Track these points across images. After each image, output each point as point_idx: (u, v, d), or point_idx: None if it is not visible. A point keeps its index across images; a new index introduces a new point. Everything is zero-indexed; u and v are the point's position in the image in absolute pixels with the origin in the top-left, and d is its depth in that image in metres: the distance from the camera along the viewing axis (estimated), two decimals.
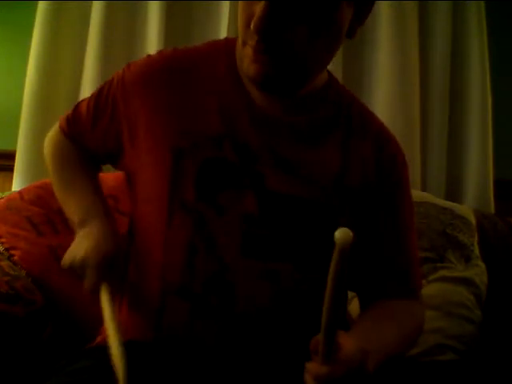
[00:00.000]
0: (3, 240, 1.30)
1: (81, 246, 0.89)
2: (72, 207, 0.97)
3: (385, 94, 1.85)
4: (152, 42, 1.77)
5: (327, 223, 0.88)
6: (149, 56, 0.95)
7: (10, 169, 1.74)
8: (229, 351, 0.84)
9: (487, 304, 1.45)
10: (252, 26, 0.77)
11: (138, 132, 0.89)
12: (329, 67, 0.94)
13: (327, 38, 0.81)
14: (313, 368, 0.68)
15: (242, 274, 0.84)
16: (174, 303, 0.85)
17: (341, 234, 0.59)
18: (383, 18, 1.85)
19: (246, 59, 0.82)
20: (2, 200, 1.39)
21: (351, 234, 0.59)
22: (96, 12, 1.76)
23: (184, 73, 0.90)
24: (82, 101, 1.00)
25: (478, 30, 1.88)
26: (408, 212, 0.96)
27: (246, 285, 0.84)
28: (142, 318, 0.88)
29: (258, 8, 0.76)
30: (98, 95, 0.96)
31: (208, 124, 0.87)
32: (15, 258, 1.27)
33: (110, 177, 1.28)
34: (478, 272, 1.47)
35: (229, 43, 0.93)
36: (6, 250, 1.28)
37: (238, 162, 0.86)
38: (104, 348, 0.88)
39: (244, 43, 0.82)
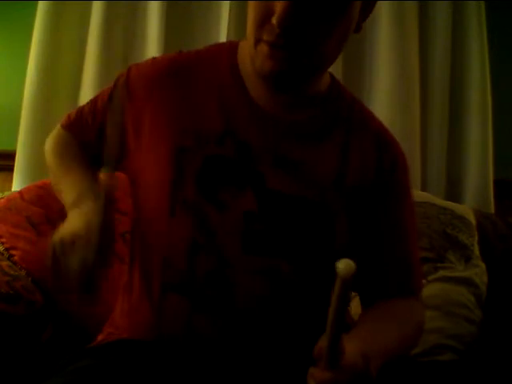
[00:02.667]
0: (3, 240, 1.30)
1: (72, 223, 0.82)
2: (66, 189, 0.94)
3: (385, 94, 1.85)
4: (152, 42, 1.77)
5: (325, 222, 0.89)
6: (154, 58, 0.96)
7: (10, 169, 1.74)
8: (229, 347, 0.84)
9: (487, 304, 1.45)
10: (275, 21, 0.77)
11: (142, 132, 0.90)
12: (329, 67, 0.95)
13: (340, 34, 0.83)
14: (316, 373, 0.68)
15: (241, 270, 0.84)
16: (174, 300, 0.85)
17: (343, 265, 0.59)
18: (383, 17, 1.85)
19: (260, 56, 0.82)
20: (2, 200, 1.39)
21: (354, 265, 0.59)
22: (96, 12, 1.76)
23: (187, 74, 0.91)
24: (86, 102, 1.02)
25: (477, 29, 1.88)
26: (409, 213, 0.96)
27: (246, 281, 0.84)
28: (143, 316, 0.88)
29: (280, 3, 0.77)
30: (101, 94, 0.98)
31: (210, 122, 0.88)
32: (15, 257, 1.27)
33: None
34: (478, 272, 1.47)
35: (232, 45, 0.95)
36: (6, 249, 1.28)
37: (238, 159, 0.87)
38: (105, 347, 0.88)
39: (258, 41, 0.82)
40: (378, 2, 1.91)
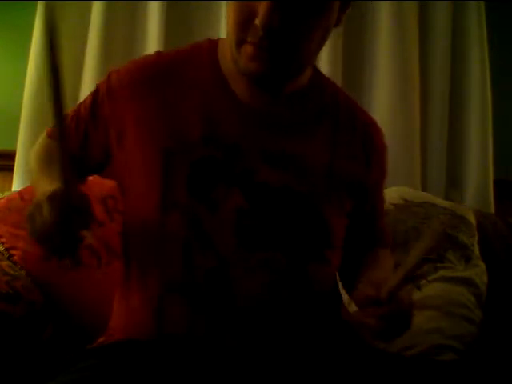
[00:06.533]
0: (3, 240, 1.30)
1: (48, 187, 0.80)
2: (44, 178, 0.90)
3: (385, 94, 1.85)
4: (152, 42, 1.77)
5: (316, 212, 0.91)
6: (132, 61, 0.97)
7: (10, 169, 1.74)
8: (231, 345, 0.85)
9: (487, 304, 1.46)
10: (259, 23, 0.78)
11: (126, 136, 0.90)
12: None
13: (323, 30, 0.84)
14: (374, 311, 0.77)
15: (239, 266, 0.85)
16: (174, 301, 0.86)
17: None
18: (383, 18, 1.85)
19: (244, 58, 0.83)
20: (2, 200, 1.39)
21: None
22: (96, 12, 1.76)
23: (169, 75, 0.92)
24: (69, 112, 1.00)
25: (478, 30, 1.89)
26: (383, 189, 1.08)
27: (244, 277, 0.85)
28: (143, 318, 0.88)
29: (263, 5, 0.78)
30: (83, 102, 0.98)
31: (194, 122, 0.89)
32: (15, 257, 1.27)
33: None
34: (478, 272, 1.47)
35: (211, 44, 0.96)
36: (6, 249, 1.28)
37: (226, 158, 0.87)
38: (107, 347, 0.88)
39: (241, 42, 0.83)
40: (378, 2, 1.92)
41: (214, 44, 0.95)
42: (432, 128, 1.90)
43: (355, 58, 1.89)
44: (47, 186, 0.84)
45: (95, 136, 0.94)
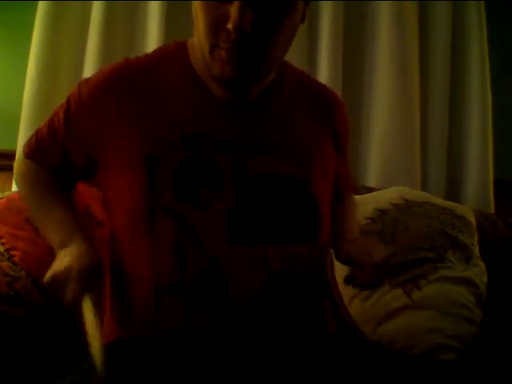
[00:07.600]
0: (3, 240, 1.30)
1: (63, 261, 0.89)
2: (50, 230, 0.98)
3: (385, 94, 1.85)
4: (152, 42, 1.77)
5: (307, 195, 0.93)
6: (101, 71, 0.97)
7: (10, 169, 1.73)
8: (229, 342, 0.85)
9: (487, 304, 1.46)
10: (231, 27, 0.79)
11: (106, 143, 0.91)
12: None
13: (290, 30, 0.86)
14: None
15: (232, 264, 0.85)
16: (170, 303, 0.86)
17: None
18: (383, 18, 1.86)
19: (218, 62, 0.84)
20: (3, 200, 1.39)
21: None
22: (96, 12, 1.76)
23: (141, 81, 0.92)
24: (42, 125, 1.02)
25: (478, 30, 1.89)
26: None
27: (238, 274, 0.85)
28: (139, 322, 0.89)
29: (234, 8, 0.79)
30: (56, 114, 0.98)
31: (175, 126, 0.89)
32: (15, 258, 1.27)
33: None
34: (478, 272, 1.47)
35: (180, 45, 0.97)
36: (7, 250, 1.28)
37: (212, 158, 0.88)
38: (111, 346, 0.88)
39: (214, 46, 0.84)
40: (379, 2, 1.92)
41: (182, 46, 0.96)
42: (432, 128, 1.91)
43: (355, 57, 1.89)
44: (58, 235, 0.95)
45: (74, 148, 0.95)
